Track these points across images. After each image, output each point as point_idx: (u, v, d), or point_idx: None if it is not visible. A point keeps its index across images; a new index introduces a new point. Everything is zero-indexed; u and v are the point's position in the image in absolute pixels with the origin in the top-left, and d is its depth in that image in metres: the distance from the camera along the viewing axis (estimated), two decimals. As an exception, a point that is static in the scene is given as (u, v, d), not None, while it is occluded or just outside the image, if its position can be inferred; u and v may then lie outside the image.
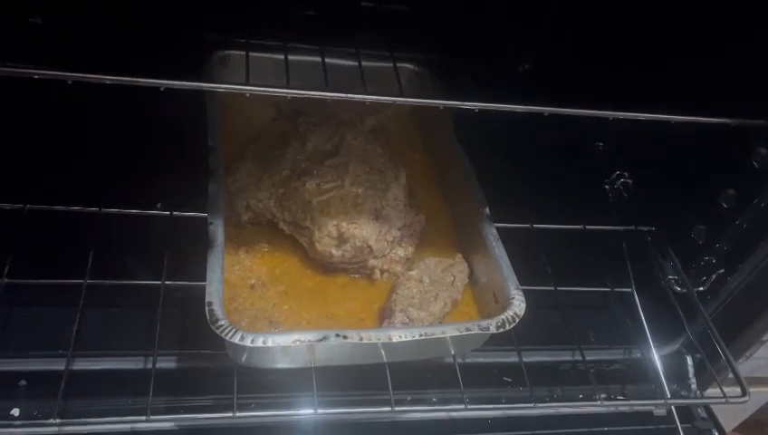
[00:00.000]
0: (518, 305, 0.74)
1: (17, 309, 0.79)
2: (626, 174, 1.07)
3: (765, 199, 0.82)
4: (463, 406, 0.75)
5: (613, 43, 1.04)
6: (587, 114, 0.76)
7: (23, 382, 0.75)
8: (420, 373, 0.84)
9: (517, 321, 0.74)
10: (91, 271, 0.78)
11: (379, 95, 0.71)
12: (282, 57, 0.89)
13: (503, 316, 0.73)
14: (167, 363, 0.78)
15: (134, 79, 0.63)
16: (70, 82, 0.61)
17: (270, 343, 0.65)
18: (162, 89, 0.64)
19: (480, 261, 0.85)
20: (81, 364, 0.76)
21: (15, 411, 0.73)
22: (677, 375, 0.95)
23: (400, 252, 0.85)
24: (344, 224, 0.79)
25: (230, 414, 0.68)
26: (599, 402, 0.84)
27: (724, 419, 0.97)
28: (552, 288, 0.91)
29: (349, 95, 0.66)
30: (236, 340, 0.64)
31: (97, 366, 0.77)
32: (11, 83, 0.62)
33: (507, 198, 0.92)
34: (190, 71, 0.93)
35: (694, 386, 0.95)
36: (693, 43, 0.91)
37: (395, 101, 0.70)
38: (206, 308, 0.66)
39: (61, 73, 0.62)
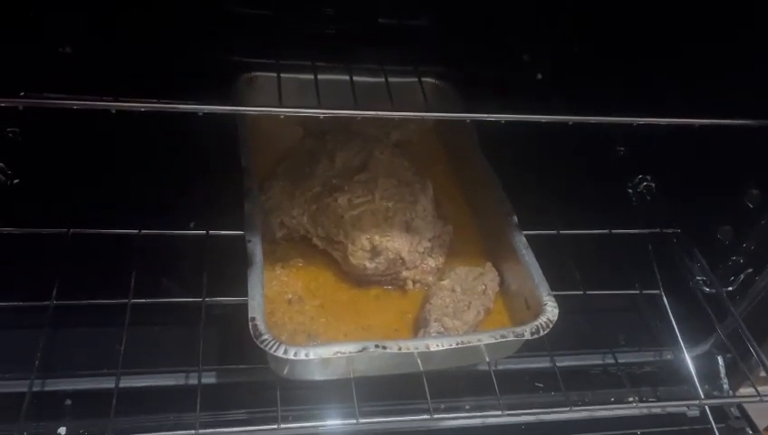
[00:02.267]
0: (551, 311, 0.76)
1: (63, 331, 0.81)
2: (648, 177, 1.08)
3: None
4: (500, 412, 0.76)
5: (627, 45, 1.06)
6: (611, 121, 0.78)
7: (68, 402, 0.77)
8: (453, 382, 0.85)
9: (551, 327, 0.76)
10: (134, 291, 0.80)
11: (405, 111, 0.73)
12: (305, 77, 0.94)
13: (536, 323, 0.75)
14: (208, 379, 0.80)
15: (175, 106, 0.66)
16: (114, 111, 0.64)
17: (312, 356, 0.67)
18: (200, 114, 0.66)
19: (510, 269, 0.86)
20: (125, 382, 0.76)
21: (62, 430, 0.75)
22: (709, 376, 0.95)
23: (431, 262, 0.87)
24: (377, 237, 0.81)
25: (275, 426, 0.70)
26: (633, 405, 0.85)
27: (757, 417, 0.98)
28: (581, 292, 0.92)
29: (379, 112, 0.68)
30: (280, 353, 0.66)
31: (140, 383, 0.79)
32: (51, 114, 0.65)
33: (532, 206, 0.94)
34: (219, 93, 0.98)
35: (726, 386, 0.95)
36: (713, 44, 0.91)
37: (423, 116, 0.72)
38: (250, 323, 0.68)
39: (104, 103, 0.65)
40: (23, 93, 0.94)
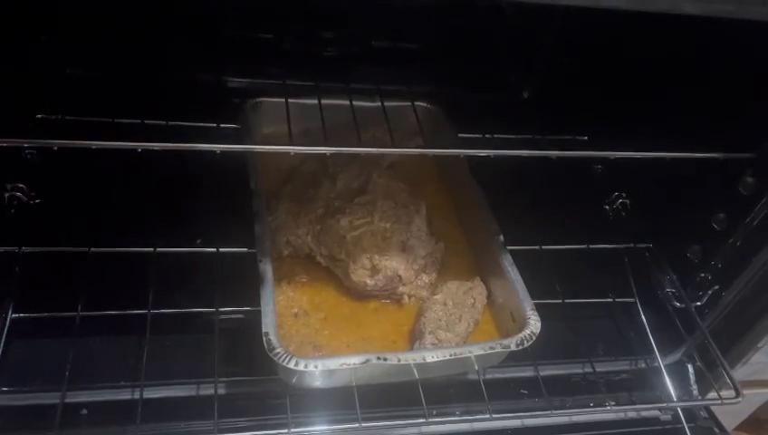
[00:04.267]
0: (534, 324, 0.82)
1: (83, 343, 0.84)
2: (624, 195, 1.12)
3: (753, 222, 0.87)
4: (488, 416, 0.82)
5: (609, 72, 1.11)
6: (588, 156, 0.84)
7: (84, 411, 0.81)
8: (445, 390, 0.90)
9: (534, 338, 0.81)
10: (151, 305, 0.85)
11: (402, 144, 0.79)
12: (307, 102, 0.98)
13: (521, 335, 0.81)
14: (220, 389, 0.82)
15: (194, 145, 0.71)
16: (140, 150, 0.69)
17: (320, 367, 0.73)
18: (218, 152, 0.72)
19: (497, 283, 0.92)
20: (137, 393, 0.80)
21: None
22: (680, 382, 1.00)
23: (425, 278, 0.92)
24: (376, 256, 0.87)
25: (285, 431, 0.76)
26: (607, 407, 0.90)
27: (726, 419, 1.03)
28: (560, 301, 0.98)
29: (381, 150, 0.75)
30: (291, 365, 0.72)
31: (156, 395, 0.82)
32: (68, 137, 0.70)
33: (517, 222, 0.98)
34: (222, 113, 1.03)
35: (695, 392, 1.00)
36: (685, 80, 0.98)
37: (422, 153, 0.78)
38: (264, 338, 0.73)
39: (128, 144, 0.70)
40: (40, 115, 1.01)
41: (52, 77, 1.07)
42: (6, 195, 0.94)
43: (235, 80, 1.16)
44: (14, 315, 0.83)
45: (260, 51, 1.14)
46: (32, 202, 0.95)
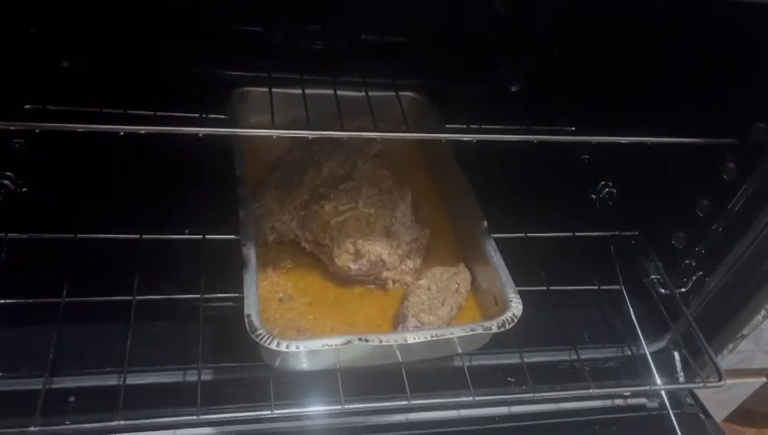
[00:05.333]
0: (516, 307, 0.83)
1: (66, 329, 0.84)
2: (610, 184, 1.14)
3: (735, 208, 0.88)
4: (471, 398, 0.82)
5: (596, 64, 1.12)
6: (571, 141, 0.85)
7: (71, 398, 0.81)
8: (431, 377, 0.90)
9: (515, 321, 0.82)
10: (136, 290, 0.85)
11: (387, 132, 0.80)
12: (293, 91, 0.99)
13: (503, 317, 0.81)
14: (205, 375, 0.83)
15: (177, 129, 0.72)
16: (122, 134, 0.70)
17: (302, 348, 0.74)
18: (201, 135, 0.72)
19: (481, 269, 0.92)
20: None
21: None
22: (666, 369, 1.00)
23: (410, 264, 0.93)
24: (360, 241, 0.88)
25: (268, 413, 0.76)
26: (591, 391, 0.90)
27: (716, 409, 1.04)
28: (546, 288, 0.98)
29: (363, 133, 0.75)
30: (273, 346, 0.72)
31: (141, 380, 0.83)
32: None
33: (503, 210, 0.99)
34: (212, 104, 1.04)
35: (682, 379, 1.00)
36: (668, 68, 0.98)
37: (404, 137, 0.79)
38: (246, 320, 0.74)
39: (111, 127, 0.70)
40: (28, 106, 1.01)
41: (40, 68, 1.07)
42: (-6, 183, 0.95)
43: (224, 72, 1.16)
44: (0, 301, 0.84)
45: (248, 43, 1.15)
46: (19, 190, 0.96)
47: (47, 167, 0.97)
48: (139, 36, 1.07)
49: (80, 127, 0.69)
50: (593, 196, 1.15)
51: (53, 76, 1.08)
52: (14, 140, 0.98)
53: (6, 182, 0.95)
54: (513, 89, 1.32)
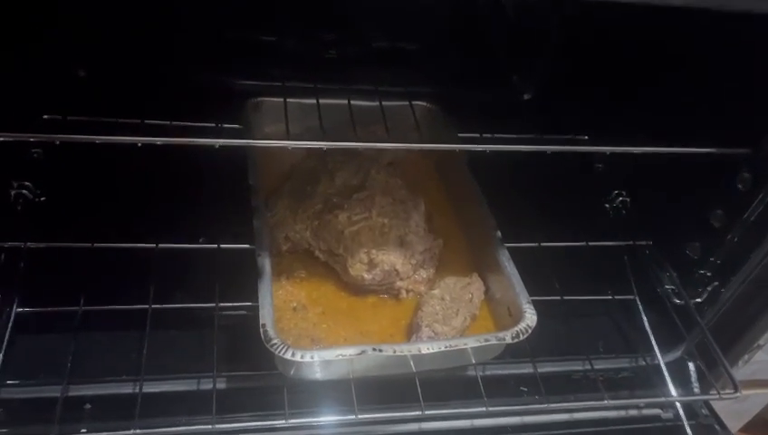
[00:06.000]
0: (530, 318, 0.82)
1: (83, 337, 0.85)
2: (624, 193, 1.13)
3: (751, 218, 0.87)
4: (484, 409, 0.82)
5: (609, 73, 1.10)
6: (584, 150, 0.84)
7: (88, 406, 0.81)
8: (443, 387, 0.89)
9: (530, 332, 0.81)
10: (152, 300, 0.86)
11: (399, 140, 0.81)
12: (307, 101, 0.99)
13: (517, 328, 0.81)
14: (219, 384, 0.83)
15: (194, 140, 0.72)
16: (140, 145, 0.71)
17: (316, 358, 0.74)
18: (217, 146, 0.73)
19: (494, 279, 0.92)
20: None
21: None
22: (681, 380, 0.99)
23: (423, 273, 0.93)
24: (374, 251, 0.88)
25: (282, 422, 0.76)
26: (605, 402, 0.89)
27: (731, 419, 1.03)
28: (560, 298, 0.98)
29: (376, 144, 0.76)
30: (288, 356, 0.73)
31: (156, 389, 0.83)
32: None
33: (516, 219, 0.99)
34: (226, 113, 1.04)
35: (696, 389, 0.99)
36: (682, 79, 0.98)
37: (420, 147, 0.79)
38: (261, 329, 0.74)
39: (130, 138, 0.72)
40: (46, 116, 1.03)
41: (57, 78, 1.08)
42: (13, 192, 0.96)
43: (239, 82, 1.17)
44: (18, 310, 0.85)
45: (262, 52, 1.16)
46: (37, 200, 0.97)
47: (65, 176, 0.98)
48: (154, 46, 1.08)
49: (98, 139, 0.69)
50: (607, 205, 1.15)
51: (70, 86, 1.09)
52: (33, 150, 0.99)
53: (25, 192, 0.96)
54: (526, 97, 1.32)
